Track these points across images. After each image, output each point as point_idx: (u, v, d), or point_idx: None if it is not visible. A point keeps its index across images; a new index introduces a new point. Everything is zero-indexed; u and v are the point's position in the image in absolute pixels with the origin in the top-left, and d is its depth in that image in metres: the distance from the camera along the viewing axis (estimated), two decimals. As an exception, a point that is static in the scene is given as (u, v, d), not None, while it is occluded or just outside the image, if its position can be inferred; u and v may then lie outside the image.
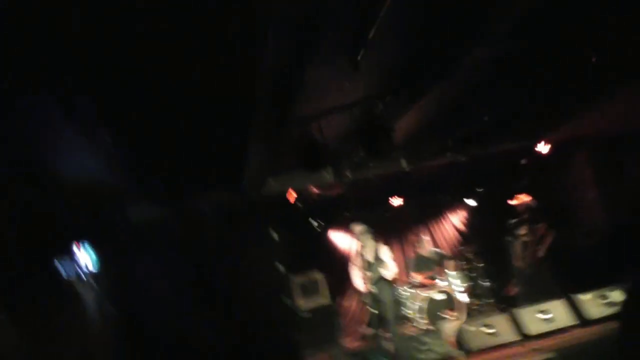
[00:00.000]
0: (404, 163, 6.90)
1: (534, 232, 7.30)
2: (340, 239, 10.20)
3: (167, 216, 6.51)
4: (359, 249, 7.64)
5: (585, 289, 6.57)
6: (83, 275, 5.40)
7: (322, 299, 8.79)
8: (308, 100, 4.08)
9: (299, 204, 7.88)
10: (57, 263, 4.87)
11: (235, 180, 6.29)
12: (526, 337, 6.19)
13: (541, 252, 7.13)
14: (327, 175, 6.67)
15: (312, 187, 7.80)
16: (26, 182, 4.03)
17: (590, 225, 8.26)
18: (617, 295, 6.45)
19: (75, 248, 5.42)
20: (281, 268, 6.36)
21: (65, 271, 5.07)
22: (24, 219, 4.12)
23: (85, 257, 5.51)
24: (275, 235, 6.36)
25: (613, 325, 5.98)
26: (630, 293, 1.76)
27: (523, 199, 7.46)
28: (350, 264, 9.18)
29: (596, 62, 4.83)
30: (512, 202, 7.53)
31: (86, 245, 5.57)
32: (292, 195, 7.58)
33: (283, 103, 3.85)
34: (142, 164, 5.16)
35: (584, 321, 6.30)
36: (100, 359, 5.01)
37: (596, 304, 6.41)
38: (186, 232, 6.67)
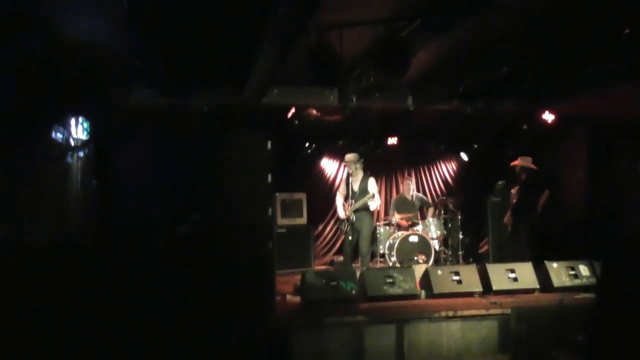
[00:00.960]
0: (409, 101, 6.83)
1: (524, 194, 7.38)
2: (329, 165, 10.26)
3: (164, 105, 6.41)
4: (347, 177, 7.71)
5: (554, 258, 6.75)
6: (72, 145, 5.37)
7: (301, 219, 8.95)
8: (332, 8, 3.93)
9: (296, 122, 7.83)
10: (49, 126, 4.81)
11: (238, 82, 6.18)
12: (489, 291, 6.37)
13: (539, 209, 7.25)
14: (332, 98, 6.59)
15: (313, 107, 7.72)
16: (32, 35, 3.89)
17: (574, 201, 8.41)
18: (582, 270, 6.66)
19: (69, 116, 5.35)
20: (267, 180, 6.37)
21: (56, 136, 5.03)
22: (24, 73, 4.01)
23: (77, 128, 5.46)
24: (268, 146, 6.32)
25: (571, 295, 6.23)
26: (602, 271, 1.79)
27: (524, 160, 7.47)
28: (335, 190, 9.30)
29: (622, 46, 4.75)
30: (514, 163, 7.51)
31: (80, 116, 5.51)
32: (291, 111, 7.51)
33: (306, 5, 3.70)
34: (152, 45, 5.01)
35: (546, 287, 6.51)
36: (72, 225, 5.07)
37: (562, 273, 6.60)
38: (180, 125, 6.61)
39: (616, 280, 1.63)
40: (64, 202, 4.98)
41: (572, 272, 6.62)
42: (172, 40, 4.96)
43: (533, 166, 7.41)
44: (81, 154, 5.46)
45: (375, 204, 7.46)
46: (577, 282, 6.52)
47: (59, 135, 4.90)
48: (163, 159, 6.57)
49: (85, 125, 5.46)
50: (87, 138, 5.50)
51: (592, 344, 1.62)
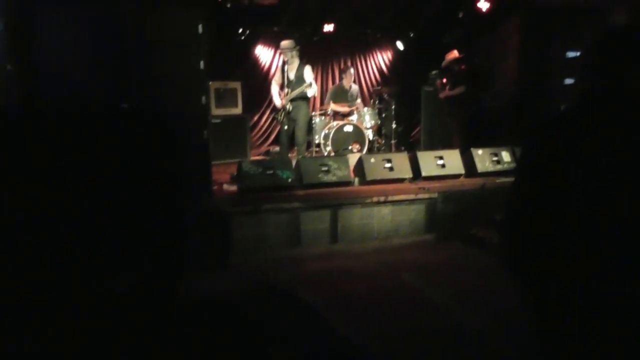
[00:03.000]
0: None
1: (454, 85, 7.53)
2: (264, 53, 9.95)
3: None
4: (283, 65, 7.53)
5: (482, 146, 7.07)
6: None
7: (235, 109, 8.78)
8: None
9: (228, 5, 7.42)
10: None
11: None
12: (418, 177, 6.67)
13: (458, 100, 7.43)
14: (267, -22, 6.22)
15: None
16: None
17: (505, 89, 8.64)
18: (504, 155, 7.05)
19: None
20: (199, 66, 6.10)
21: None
22: None
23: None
24: (199, 30, 5.98)
25: (493, 179, 6.66)
26: (521, 153, 1.88)
27: (455, 53, 7.53)
28: (270, 79, 9.11)
29: None
30: (447, 55, 7.55)
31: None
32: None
33: None
34: None
35: (471, 172, 6.88)
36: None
37: (485, 159, 6.97)
38: (104, 2, 6.08)
39: (532, 161, 1.73)
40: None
41: (495, 158, 7.01)
42: None
43: (457, 54, 7.50)
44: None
45: (312, 92, 7.40)
46: (499, 167, 6.94)
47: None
48: (86, 41, 6.08)
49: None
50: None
51: (508, 221, 1.76)
